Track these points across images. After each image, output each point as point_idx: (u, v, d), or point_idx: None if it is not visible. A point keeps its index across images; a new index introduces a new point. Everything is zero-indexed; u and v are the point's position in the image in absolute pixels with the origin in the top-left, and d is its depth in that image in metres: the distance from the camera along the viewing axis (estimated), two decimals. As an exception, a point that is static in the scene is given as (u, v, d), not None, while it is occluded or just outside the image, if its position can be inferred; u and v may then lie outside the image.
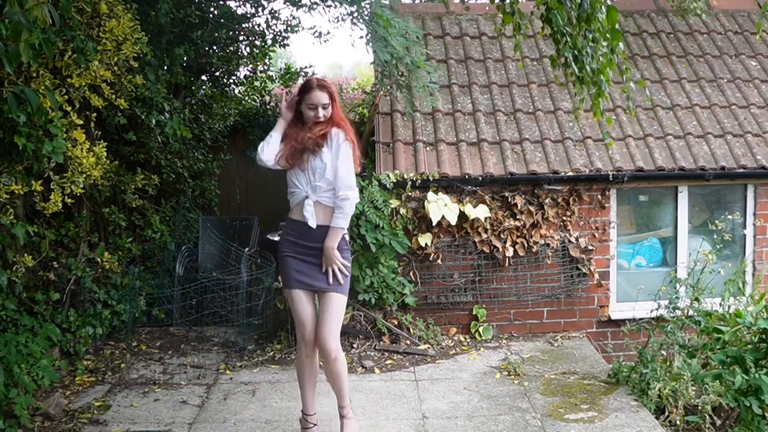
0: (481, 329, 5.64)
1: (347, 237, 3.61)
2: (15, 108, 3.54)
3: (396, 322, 5.45)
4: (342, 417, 3.73)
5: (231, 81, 8.26)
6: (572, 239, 5.70)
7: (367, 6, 5.12)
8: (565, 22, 3.93)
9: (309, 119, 3.49)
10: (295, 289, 3.53)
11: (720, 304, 4.44)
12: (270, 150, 3.53)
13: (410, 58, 4.81)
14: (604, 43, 4.01)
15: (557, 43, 4.07)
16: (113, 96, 4.73)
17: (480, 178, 5.50)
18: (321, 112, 3.45)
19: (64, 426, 4.01)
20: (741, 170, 5.73)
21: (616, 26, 3.97)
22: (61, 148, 4.16)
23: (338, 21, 8.08)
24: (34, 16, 2.60)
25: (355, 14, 4.67)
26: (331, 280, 3.48)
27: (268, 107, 8.83)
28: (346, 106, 9.98)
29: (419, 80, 5.18)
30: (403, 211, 5.48)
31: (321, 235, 3.46)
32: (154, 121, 5.57)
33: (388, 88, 5.69)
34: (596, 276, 5.74)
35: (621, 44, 4.09)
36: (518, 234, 5.64)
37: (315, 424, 3.72)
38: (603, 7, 3.92)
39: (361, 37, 4.45)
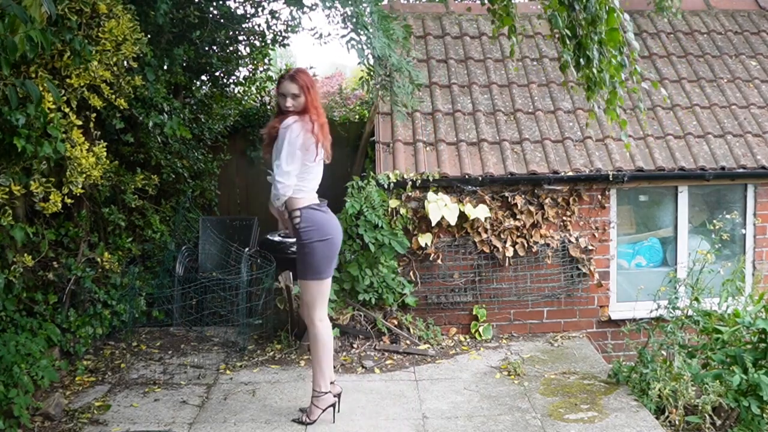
0: (481, 329, 5.64)
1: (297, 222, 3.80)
2: (15, 102, 3.53)
3: (396, 322, 5.45)
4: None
5: (231, 81, 8.27)
6: (572, 239, 5.70)
7: (363, 6, 5.08)
8: (565, 23, 3.91)
9: (282, 107, 3.74)
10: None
11: (718, 304, 4.44)
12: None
13: (395, 59, 4.78)
14: (611, 45, 3.99)
15: (563, 45, 4.06)
16: (113, 96, 4.73)
17: (480, 178, 5.50)
18: (290, 102, 3.70)
19: (64, 426, 4.01)
20: (741, 170, 5.73)
21: (616, 26, 3.95)
22: (60, 149, 4.16)
23: (337, 23, 8.08)
24: (31, 14, 2.60)
25: (348, 16, 4.65)
26: None
27: (268, 107, 8.83)
28: (346, 107, 9.99)
29: (401, 81, 5.15)
30: (402, 211, 5.48)
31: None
32: (151, 123, 5.57)
33: (376, 88, 5.65)
34: (596, 276, 5.74)
35: (632, 45, 4.06)
36: (518, 234, 5.64)
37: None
38: (608, 7, 3.90)
39: (343, 36, 4.44)
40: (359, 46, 4.39)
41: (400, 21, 6.72)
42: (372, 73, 5.21)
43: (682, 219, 5.94)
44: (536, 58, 6.74)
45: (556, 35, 4.09)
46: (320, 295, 3.89)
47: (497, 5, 4.14)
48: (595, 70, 3.99)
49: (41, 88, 4.05)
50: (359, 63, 5.10)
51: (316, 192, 3.90)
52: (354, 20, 4.45)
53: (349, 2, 4.48)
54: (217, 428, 3.98)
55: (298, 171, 3.68)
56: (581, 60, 3.99)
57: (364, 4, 4.49)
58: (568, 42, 4.00)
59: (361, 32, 4.39)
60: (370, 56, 4.78)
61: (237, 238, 6.46)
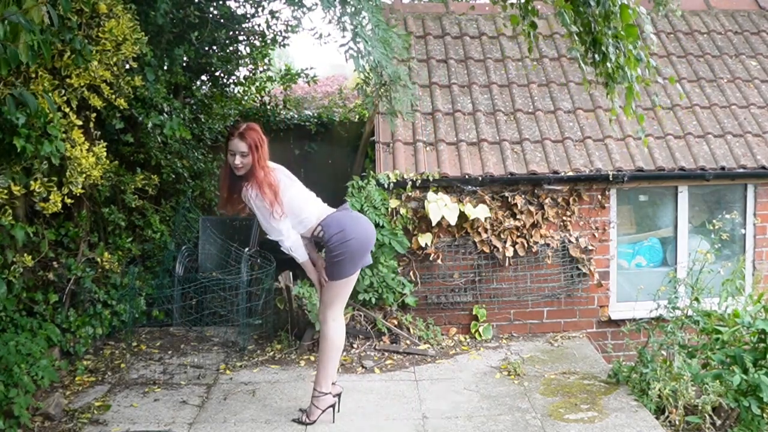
0: (481, 329, 5.64)
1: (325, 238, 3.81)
2: (13, 110, 3.54)
3: (396, 322, 5.45)
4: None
5: (231, 81, 8.27)
6: (572, 239, 5.70)
7: (362, 16, 5.05)
8: (572, 20, 3.90)
9: (231, 164, 3.73)
10: None
11: (718, 304, 4.44)
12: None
13: (392, 69, 4.78)
14: (629, 40, 3.97)
15: (573, 42, 4.06)
16: (113, 96, 4.73)
17: (480, 178, 5.50)
18: (238, 159, 3.69)
19: (64, 426, 4.01)
20: (741, 170, 5.73)
21: (631, 22, 3.92)
22: (60, 149, 4.15)
23: (336, 23, 8.08)
24: (31, 17, 2.60)
25: (342, 19, 4.63)
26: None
27: (268, 107, 8.82)
28: (346, 106, 9.98)
29: (399, 92, 5.14)
30: (403, 211, 5.48)
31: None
32: (151, 123, 5.57)
33: (373, 98, 5.62)
34: (596, 276, 5.74)
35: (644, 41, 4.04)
36: (518, 234, 5.64)
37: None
38: (621, 3, 3.88)
39: (342, 45, 4.44)
40: (357, 55, 4.38)
41: (399, 25, 6.70)
42: (369, 81, 5.21)
43: (682, 219, 5.94)
44: (536, 58, 6.74)
45: (558, 34, 4.10)
46: (342, 295, 3.91)
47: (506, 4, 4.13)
48: (611, 66, 3.97)
49: (40, 89, 4.06)
50: (355, 70, 5.09)
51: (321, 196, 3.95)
52: (353, 29, 4.44)
53: (349, 4, 4.46)
54: (217, 428, 3.98)
55: (286, 218, 3.72)
56: (597, 56, 3.97)
57: (364, 13, 4.47)
58: (577, 39, 3.99)
59: (360, 42, 4.38)
60: (367, 66, 4.77)
61: (237, 238, 6.46)
